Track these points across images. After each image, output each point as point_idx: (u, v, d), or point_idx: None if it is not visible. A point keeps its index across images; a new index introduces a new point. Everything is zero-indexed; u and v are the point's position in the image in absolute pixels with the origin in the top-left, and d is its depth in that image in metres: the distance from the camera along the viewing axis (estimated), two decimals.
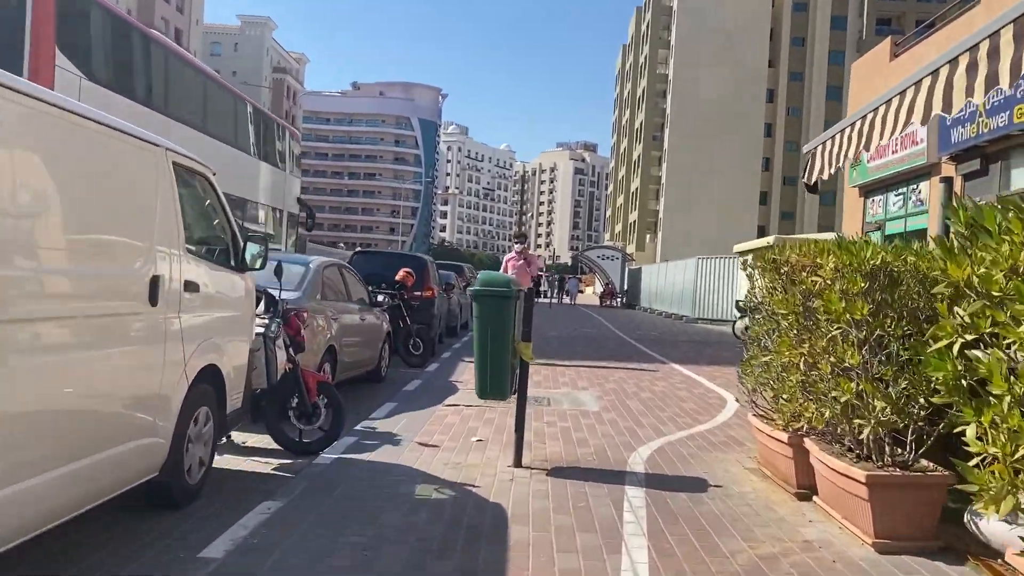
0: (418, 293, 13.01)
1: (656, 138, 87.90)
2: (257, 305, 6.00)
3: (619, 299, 45.58)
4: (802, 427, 4.51)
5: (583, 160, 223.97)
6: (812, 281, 4.25)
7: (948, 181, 13.85)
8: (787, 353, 4.48)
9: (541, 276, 38.68)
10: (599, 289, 48.52)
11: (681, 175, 79.34)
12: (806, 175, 6.09)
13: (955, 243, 3.19)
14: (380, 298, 10.56)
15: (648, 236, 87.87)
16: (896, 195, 16.11)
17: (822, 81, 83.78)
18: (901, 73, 13.52)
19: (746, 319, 19.77)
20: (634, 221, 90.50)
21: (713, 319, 29.13)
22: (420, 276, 13.38)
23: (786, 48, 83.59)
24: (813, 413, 4.21)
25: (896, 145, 15.28)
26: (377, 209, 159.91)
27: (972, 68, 3.67)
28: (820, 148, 5.69)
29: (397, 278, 11.99)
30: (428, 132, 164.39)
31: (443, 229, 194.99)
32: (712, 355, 14.71)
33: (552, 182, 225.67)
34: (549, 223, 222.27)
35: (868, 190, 17.55)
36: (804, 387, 4.40)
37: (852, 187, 18.01)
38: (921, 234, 15.20)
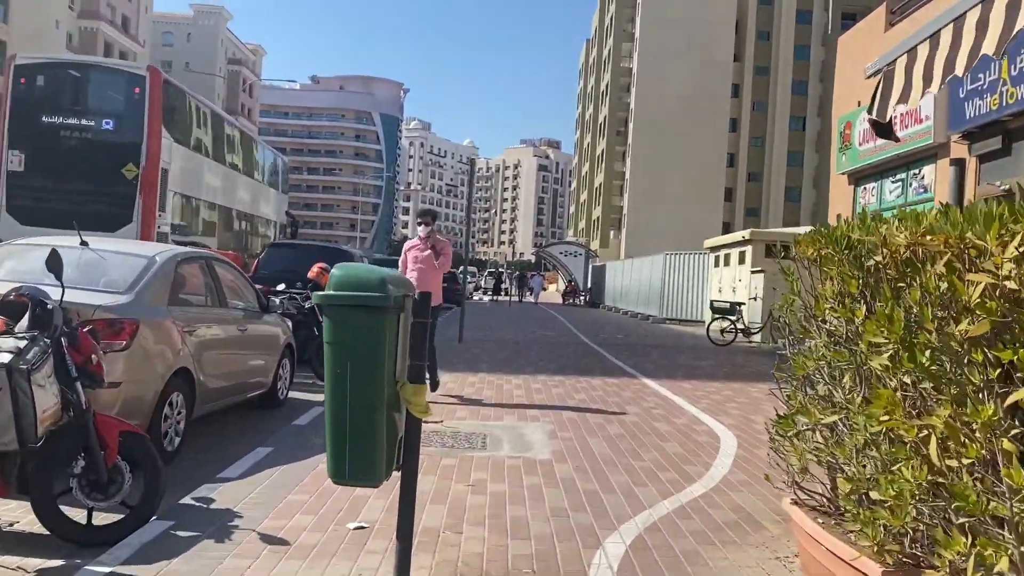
0: None
1: (620, 133, 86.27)
2: (20, 317, 3.82)
3: (582, 297, 43.64)
4: (912, 552, 2.43)
5: (547, 157, 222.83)
6: (961, 284, 2.20)
7: (959, 163, 11.99)
8: (892, 419, 2.37)
9: (503, 274, 36.50)
10: (562, 287, 46.51)
11: (645, 170, 77.83)
12: (876, 108, 4.01)
13: None
14: (278, 301, 8.36)
15: (612, 232, 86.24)
16: (893, 182, 14.24)
17: (787, 75, 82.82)
18: (898, 43, 11.64)
19: (723, 320, 17.81)
20: (598, 217, 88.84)
21: (683, 319, 27.26)
22: None
23: (752, 42, 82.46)
24: (968, 554, 2.05)
25: (895, 124, 13.34)
26: (337, 205, 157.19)
27: None
28: (906, 59, 3.59)
29: (310, 275, 9.80)
30: (389, 127, 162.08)
31: (405, 226, 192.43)
32: (689, 366, 12.71)
33: (516, 179, 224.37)
34: (513, 220, 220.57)
35: (859, 177, 15.67)
36: (935, 491, 2.29)
37: (840, 174, 16.14)
38: None
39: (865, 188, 15.49)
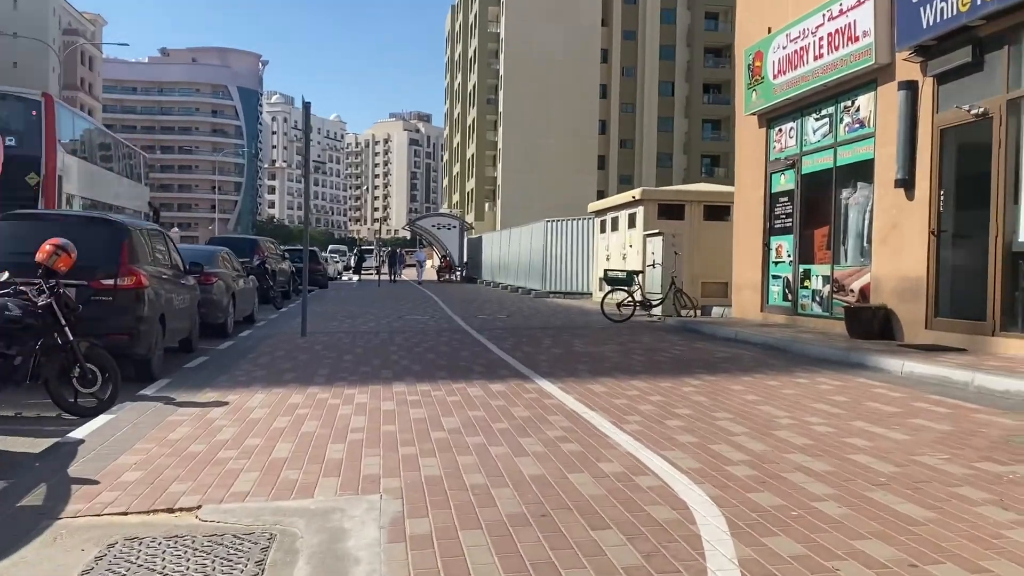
0: (91, 283, 7.51)
1: (491, 101, 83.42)
2: None
3: (458, 272, 40.72)
4: None
5: (418, 131, 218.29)
6: None
7: (911, 87, 9.69)
8: None
9: (367, 251, 32.94)
10: (437, 263, 43.40)
11: (518, 139, 75.48)
12: None
13: None
14: None
15: (487, 204, 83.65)
16: (818, 118, 11.93)
17: (655, 40, 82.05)
18: None
19: (619, 292, 15.28)
20: (472, 189, 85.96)
21: (568, 292, 24.81)
22: (107, 253, 7.84)
23: (618, 6, 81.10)
24: None
25: (820, 47, 11.02)
26: (196, 185, 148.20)
27: None
28: None
29: (38, 258, 6.40)
30: (249, 102, 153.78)
31: (272, 205, 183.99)
32: (592, 356, 10.02)
33: (387, 153, 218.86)
34: (386, 196, 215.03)
35: (773, 117, 13.34)
36: None
37: (749, 115, 13.77)
38: (863, 169, 11.14)
39: (780, 130, 13.19)
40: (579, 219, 24.59)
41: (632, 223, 19.80)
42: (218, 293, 12.50)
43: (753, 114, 13.64)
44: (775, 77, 12.66)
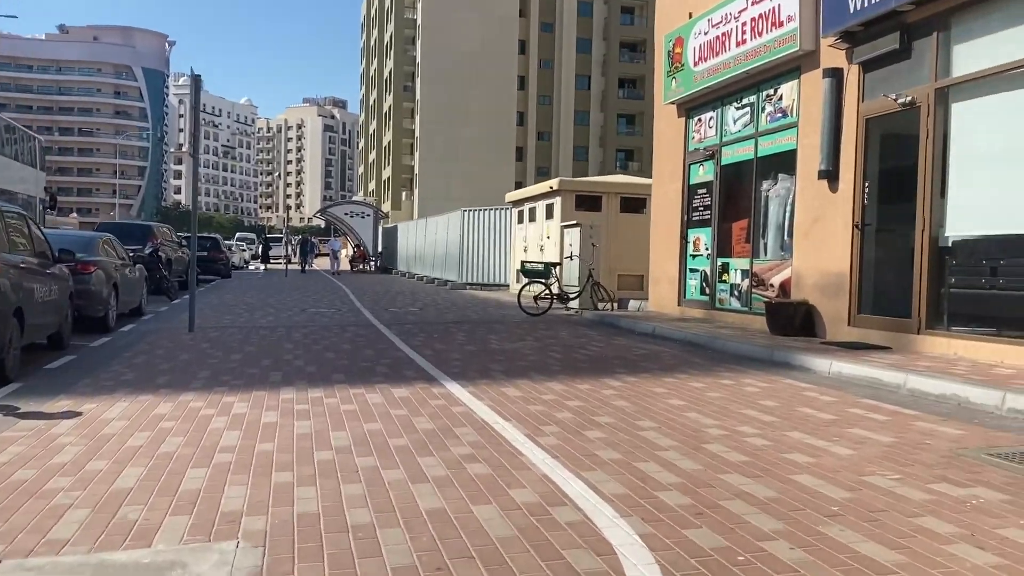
0: None
1: (407, 88, 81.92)
2: None
3: (373, 263, 39.55)
4: None
5: (333, 117, 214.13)
6: None
7: (836, 75, 9.37)
8: None
9: (271, 239, 31.50)
10: (351, 252, 42.06)
11: (436, 128, 74.40)
12: None
13: None
14: None
15: (404, 193, 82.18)
16: (739, 107, 11.56)
17: (572, 33, 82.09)
18: None
19: (536, 284, 14.71)
20: (389, 177, 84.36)
21: (485, 284, 24.16)
22: None
23: None
24: None
25: (743, 33, 10.62)
26: (97, 169, 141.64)
27: None
28: None
29: None
30: (154, 83, 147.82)
31: (178, 191, 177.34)
32: (507, 353, 9.37)
33: (300, 140, 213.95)
34: (299, 183, 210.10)
35: (693, 106, 12.95)
36: None
37: (668, 104, 13.35)
38: (785, 160, 10.80)
39: (700, 119, 12.81)
40: (496, 209, 23.95)
41: (549, 214, 19.28)
42: (97, 283, 11.33)
43: (672, 103, 13.22)
44: (696, 64, 12.24)
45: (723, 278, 12.02)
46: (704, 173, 12.62)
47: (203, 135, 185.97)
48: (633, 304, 15.39)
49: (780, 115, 10.70)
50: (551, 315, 14.40)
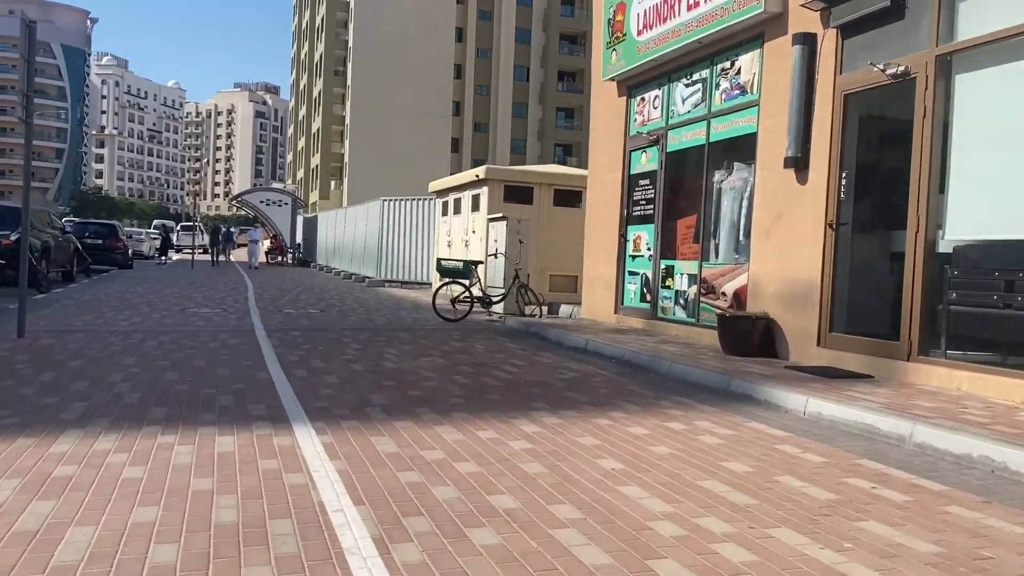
0: None
1: (338, 73, 79.04)
2: None
3: (291, 255, 37.07)
4: None
5: (264, 103, 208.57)
6: None
7: (808, 41, 7.72)
8: None
9: (171, 228, 28.78)
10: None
11: (367, 115, 71.70)
12: None
13: None
14: None
15: (333, 182, 79.33)
16: (689, 84, 9.90)
17: (511, 22, 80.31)
18: None
19: (455, 285, 12.86)
20: (317, 165, 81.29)
21: (406, 281, 22.19)
22: None
23: None
24: None
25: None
26: (10, 150, 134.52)
27: None
28: None
29: None
30: (74, 61, 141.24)
31: (100, 175, 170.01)
32: (400, 373, 7.51)
33: (231, 125, 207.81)
34: (228, 170, 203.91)
35: (636, 83, 11.25)
36: None
37: (608, 80, 11.63)
38: (742, 146, 9.17)
39: (644, 98, 11.12)
40: (420, 200, 21.97)
41: (476, 206, 17.42)
42: None
43: (612, 79, 11.50)
44: (639, 34, 10.53)
45: (667, 283, 10.37)
46: (647, 161, 10.96)
47: (127, 118, 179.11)
48: (564, 310, 13.68)
49: (738, 92, 9.06)
50: (470, 321, 12.58)
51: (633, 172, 11.31)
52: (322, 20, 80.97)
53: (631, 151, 11.35)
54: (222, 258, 34.71)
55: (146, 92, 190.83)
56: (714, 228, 9.52)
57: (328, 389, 6.49)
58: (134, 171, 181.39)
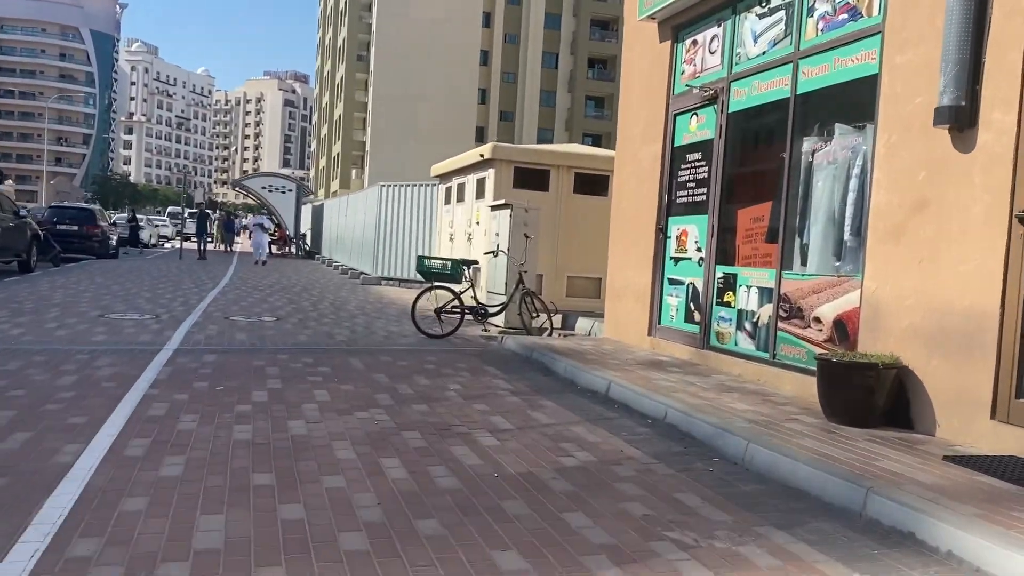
0: None
1: (361, 58, 76.37)
2: None
3: (295, 246, 34.31)
4: None
5: (294, 92, 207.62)
6: None
7: None
8: None
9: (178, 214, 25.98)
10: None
11: (390, 101, 68.94)
12: None
13: None
14: None
15: (354, 171, 76.73)
16: (765, 13, 6.79)
17: (540, 7, 76.98)
18: None
19: (442, 290, 9.87)
20: (339, 153, 78.74)
21: (403, 279, 19.28)
22: None
23: None
24: None
25: None
26: (37, 135, 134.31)
27: None
28: None
29: None
30: (103, 47, 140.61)
31: (128, 161, 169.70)
32: (313, 457, 4.55)
33: (259, 113, 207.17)
34: (256, 159, 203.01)
35: (684, 21, 8.17)
36: None
37: (645, 19, 8.52)
38: (851, 97, 6.05)
39: (696, 41, 8.04)
40: (421, 185, 19.03)
41: (481, 192, 14.43)
42: None
43: (651, 17, 8.43)
44: None
45: (725, 299, 7.32)
46: (699, 127, 7.91)
47: (156, 104, 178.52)
48: (582, 324, 10.67)
49: (846, 15, 5.98)
50: (458, 338, 9.63)
51: (679, 143, 8.27)
52: (346, 3, 78.36)
53: (676, 114, 8.29)
54: (222, 248, 32.00)
55: (175, 79, 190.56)
56: (801, 221, 6.46)
57: (141, 497, 3.56)
58: (162, 158, 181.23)
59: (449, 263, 9.96)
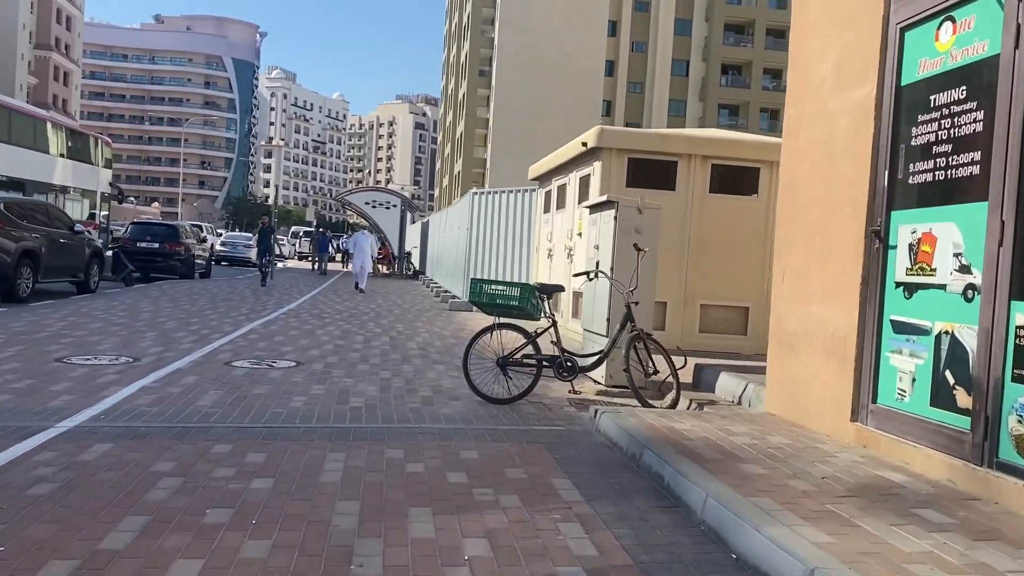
0: None
1: (483, 73, 74.54)
2: None
3: (400, 265, 31.77)
4: None
5: (424, 114, 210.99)
6: None
7: None
8: None
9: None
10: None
11: (511, 116, 66.59)
12: None
13: None
14: None
15: (474, 188, 74.82)
16: None
17: (670, 12, 72.83)
18: None
19: (508, 329, 6.45)
20: (459, 171, 77.11)
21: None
22: None
23: None
24: None
25: None
26: (184, 159, 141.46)
27: None
28: None
29: None
30: (244, 74, 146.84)
31: (267, 184, 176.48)
32: None
33: (391, 136, 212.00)
34: (388, 180, 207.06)
35: None
36: None
37: None
38: None
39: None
40: (517, 191, 15.71)
41: (585, 193, 10.92)
42: None
43: None
44: None
45: None
46: (958, 42, 4.19)
47: (294, 129, 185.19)
48: (727, 384, 6.94)
49: None
50: (533, 402, 6.22)
51: (911, 79, 4.56)
52: (468, 18, 76.95)
53: (904, 26, 4.59)
54: (317, 268, 29.79)
55: (312, 104, 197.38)
56: None
57: None
58: (299, 180, 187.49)
59: (517, 289, 6.50)
